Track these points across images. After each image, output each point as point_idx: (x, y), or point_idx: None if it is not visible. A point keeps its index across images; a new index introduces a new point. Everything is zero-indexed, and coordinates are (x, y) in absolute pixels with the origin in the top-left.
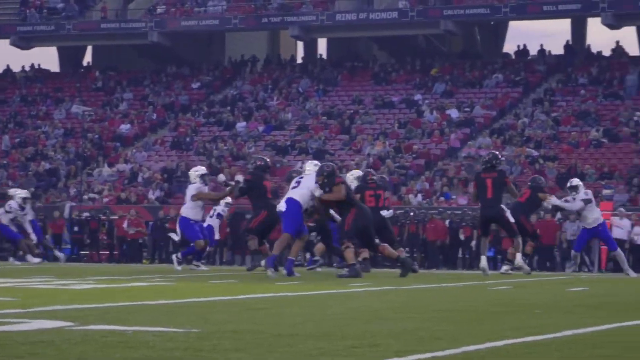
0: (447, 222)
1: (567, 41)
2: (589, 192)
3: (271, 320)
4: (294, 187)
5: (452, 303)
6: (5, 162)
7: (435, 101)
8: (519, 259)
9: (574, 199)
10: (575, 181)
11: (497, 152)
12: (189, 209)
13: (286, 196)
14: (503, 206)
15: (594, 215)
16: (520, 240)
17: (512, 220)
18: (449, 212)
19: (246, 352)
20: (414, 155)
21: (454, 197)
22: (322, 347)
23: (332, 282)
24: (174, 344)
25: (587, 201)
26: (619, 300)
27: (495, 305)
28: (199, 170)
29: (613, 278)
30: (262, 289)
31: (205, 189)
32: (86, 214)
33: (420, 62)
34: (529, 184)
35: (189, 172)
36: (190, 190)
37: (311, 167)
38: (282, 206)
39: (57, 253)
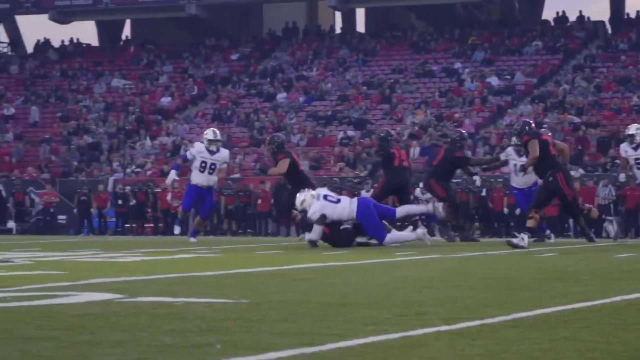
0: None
1: (607, 7)
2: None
3: (319, 290)
4: None
5: (498, 271)
6: (47, 136)
7: (475, 69)
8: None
9: None
10: None
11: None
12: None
13: None
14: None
15: None
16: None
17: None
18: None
19: (295, 322)
20: (455, 124)
21: None
22: (372, 316)
23: (378, 252)
24: (224, 314)
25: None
26: None
27: (541, 273)
28: (207, 134)
29: None
30: (308, 259)
31: (206, 153)
32: (133, 187)
33: (459, 31)
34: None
35: None
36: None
37: None
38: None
39: None
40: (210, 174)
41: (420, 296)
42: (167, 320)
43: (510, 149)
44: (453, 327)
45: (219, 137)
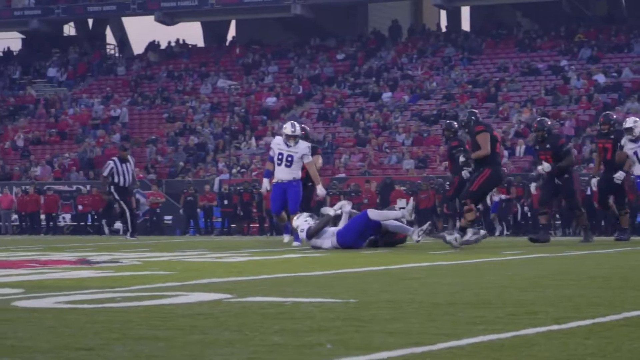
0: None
1: None
2: None
3: (427, 289)
4: None
5: (607, 269)
6: (154, 137)
7: (581, 67)
8: None
9: None
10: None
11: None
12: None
13: None
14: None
15: None
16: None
17: None
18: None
19: (405, 321)
20: (561, 122)
21: None
22: (482, 316)
23: (486, 251)
24: (333, 314)
25: None
26: None
27: None
28: (285, 128)
29: None
30: (415, 258)
31: (283, 145)
32: (239, 187)
33: (565, 28)
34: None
35: None
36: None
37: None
38: None
39: None
40: (287, 166)
41: (529, 295)
42: (277, 320)
43: (623, 141)
44: (564, 326)
45: (297, 132)
